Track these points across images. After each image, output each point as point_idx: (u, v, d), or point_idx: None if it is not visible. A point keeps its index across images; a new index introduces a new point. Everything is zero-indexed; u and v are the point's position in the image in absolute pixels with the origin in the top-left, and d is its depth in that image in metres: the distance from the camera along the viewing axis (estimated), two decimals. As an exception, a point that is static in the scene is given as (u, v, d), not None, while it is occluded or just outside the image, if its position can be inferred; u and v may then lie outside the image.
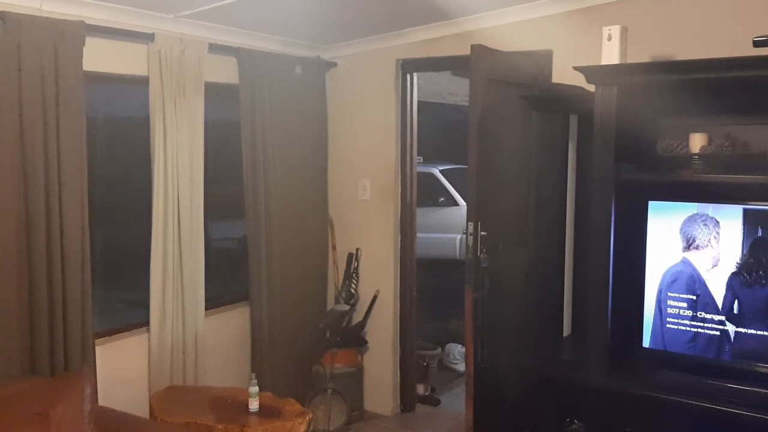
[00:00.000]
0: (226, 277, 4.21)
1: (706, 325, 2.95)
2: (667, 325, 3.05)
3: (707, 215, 2.93)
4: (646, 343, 3.10)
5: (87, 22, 3.08)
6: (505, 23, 3.76)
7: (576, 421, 3.17)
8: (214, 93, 3.75)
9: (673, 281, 3.03)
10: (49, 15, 2.99)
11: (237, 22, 3.73)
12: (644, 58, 3.18)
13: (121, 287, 3.92)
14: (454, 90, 8.48)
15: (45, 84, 2.94)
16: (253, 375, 3.34)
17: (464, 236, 8.18)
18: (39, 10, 2.98)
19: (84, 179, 3.11)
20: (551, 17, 3.65)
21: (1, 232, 2.86)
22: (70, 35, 3.01)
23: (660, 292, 3.06)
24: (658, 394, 2.87)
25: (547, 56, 3.64)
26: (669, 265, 3.03)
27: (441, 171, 8.32)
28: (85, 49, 3.07)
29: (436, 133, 8.70)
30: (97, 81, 3.28)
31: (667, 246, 3.03)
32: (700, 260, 2.96)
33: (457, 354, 5.30)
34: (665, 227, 3.03)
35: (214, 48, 3.68)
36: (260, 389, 3.28)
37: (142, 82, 3.42)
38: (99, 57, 3.18)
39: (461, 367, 5.07)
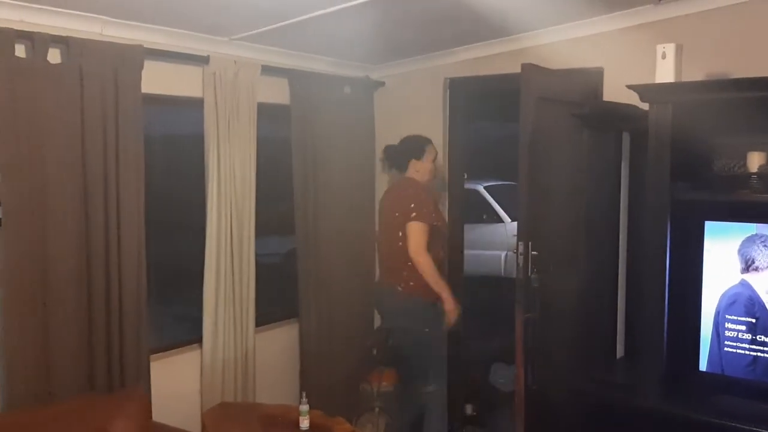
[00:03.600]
0: (271, 293, 4.24)
1: (766, 348, 2.88)
2: (725, 349, 2.98)
3: (767, 236, 2.87)
4: (702, 366, 3.04)
5: (145, 46, 3.17)
6: (555, 41, 3.75)
7: (630, 445, 3.11)
8: (265, 113, 3.81)
9: (732, 303, 2.96)
10: (110, 39, 3.08)
11: (289, 44, 3.79)
12: (699, 75, 3.13)
13: (169, 302, 3.99)
14: (497, 106, 8.44)
15: (105, 106, 3.03)
16: (304, 393, 3.35)
17: (509, 253, 8.06)
18: (100, 35, 3.08)
19: (141, 198, 3.19)
20: (602, 35, 3.62)
21: (62, 250, 2.94)
22: (129, 59, 3.10)
23: (717, 314, 2.99)
24: (718, 419, 2.80)
25: (597, 74, 3.61)
26: (727, 286, 2.97)
27: (485, 188, 8.28)
28: (143, 72, 3.15)
29: (480, 150, 8.66)
30: (155, 102, 3.36)
31: (725, 267, 2.96)
32: (759, 282, 2.89)
33: (503, 374, 5.23)
34: (722, 248, 2.97)
35: (267, 70, 3.75)
36: (309, 407, 3.29)
37: (198, 104, 3.50)
38: (156, 79, 3.25)
39: (507, 387, 5.01)
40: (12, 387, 2.82)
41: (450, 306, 3.87)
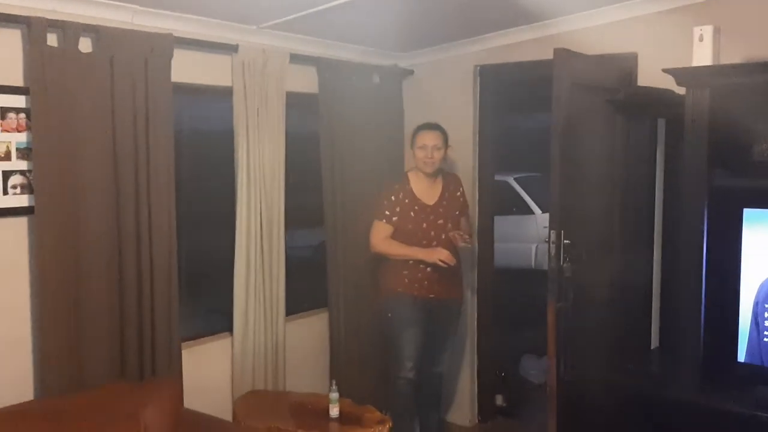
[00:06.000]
0: (303, 287, 4.24)
1: (808, 339, 2.80)
2: (765, 339, 2.90)
3: (809, 223, 2.78)
4: (741, 357, 2.96)
5: (175, 34, 3.17)
6: (587, 26, 3.68)
7: (667, 438, 3.05)
8: (293, 102, 3.79)
9: (772, 293, 2.88)
10: (140, 28, 3.09)
11: (317, 32, 3.77)
12: (738, 58, 3.04)
13: (199, 292, 4.01)
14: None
15: (135, 95, 3.05)
16: (333, 381, 3.35)
17: (540, 245, 7.92)
18: (131, 24, 3.09)
19: (172, 187, 3.20)
20: (636, 19, 3.54)
21: (93, 237, 2.96)
22: (159, 48, 3.10)
23: (756, 304, 2.91)
24: (757, 411, 2.72)
25: (632, 59, 3.53)
26: (767, 275, 2.88)
27: (516, 179, 8.19)
28: (173, 61, 3.16)
29: (511, 140, 8.56)
30: (184, 91, 3.36)
31: (765, 255, 2.88)
32: (801, 271, 2.81)
33: (534, 365, 5.18)
34: (762, 236, 2.89)
35: (295, 58, 3.73)
36: (339, 396, 3.29)
37: (227, 93, 3.50)
38: (186, 68, 3.26)
39: (538, 378, 4.97)
40: (44, 374, 2.85)
41: (433, 256, 3.68)
